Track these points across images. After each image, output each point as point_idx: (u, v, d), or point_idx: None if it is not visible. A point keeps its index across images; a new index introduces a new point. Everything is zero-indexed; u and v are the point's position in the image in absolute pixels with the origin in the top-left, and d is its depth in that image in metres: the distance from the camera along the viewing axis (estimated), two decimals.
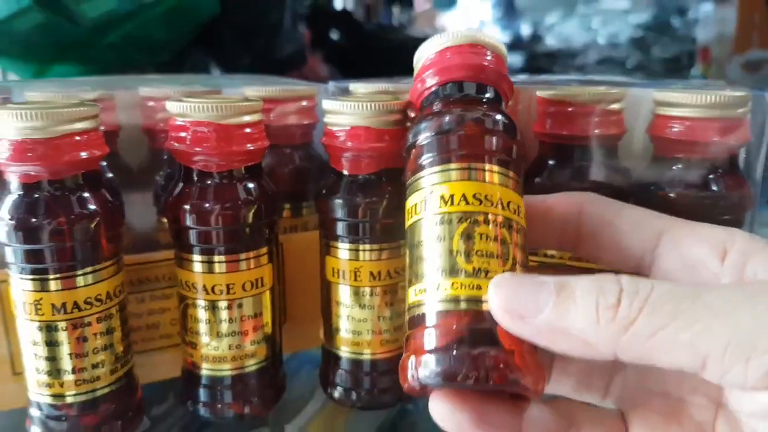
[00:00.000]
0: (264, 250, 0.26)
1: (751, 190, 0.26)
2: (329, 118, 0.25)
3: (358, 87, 0.31)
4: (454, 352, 0.17)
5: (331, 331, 0.28)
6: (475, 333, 0.17)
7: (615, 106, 0.27)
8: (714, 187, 0.26)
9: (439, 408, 0.18)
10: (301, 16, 0.84)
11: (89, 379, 0.24)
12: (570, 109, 0.26)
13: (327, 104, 0.25)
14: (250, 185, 0.25)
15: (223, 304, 0.25)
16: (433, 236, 0.18)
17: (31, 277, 0.23)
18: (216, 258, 0.25)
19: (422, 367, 0.17)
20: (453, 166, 0.19)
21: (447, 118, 0.19)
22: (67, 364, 0.23)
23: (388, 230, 0.26)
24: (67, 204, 0.22)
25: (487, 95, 0.21)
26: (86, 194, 0.23)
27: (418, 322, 0.18)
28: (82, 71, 0.68)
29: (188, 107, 0.23)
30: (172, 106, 0.24)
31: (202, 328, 0.26)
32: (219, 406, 0.26)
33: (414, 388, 0.18)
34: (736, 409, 0.17)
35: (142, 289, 0.28)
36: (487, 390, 0.17)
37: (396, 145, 0.25)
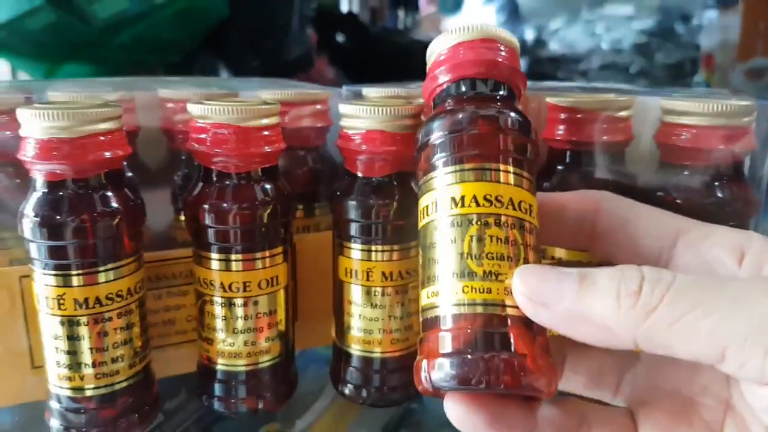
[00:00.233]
0: (279, 249, 0.27)
1: (755, 197, 0.27)
2: (345, 122, 0.26)
3: (370, 91, 0.31)
4: (467, 357, 0.17)
5: (342, 330, 0.28)
6: (487, 337, 0.17)
7: (623, 114, 0.27)
8: (719, 194, 0.26)
9: (454, 409, 0.18)
10: (308, 18, 0.85)
11: (108, 373, 0.25)
12: (579, 116, 0.27)
13: (343, 108, 0.26)
14: (267, 186, 0.26)
15: (239, 301, 0.26)
16: (445, 238, 0.18)
17: (54, 272, 0.23)
18: (233, 256, 0.25)
19: (436, 371, 0.17)
20: (465, 166, 0.19)
21: (459, 117, 0.19)
22: (87, 358, 0.24)
23: (400, 231, 0.26)
24: (91, 202, 0.23)
25: (501, 92, 0.20)
26: (109, 193, 0.23)
27: (431, 324, 0.18)
28: (93, 71, 0.69)
29: (209, 110, 0.24)
30: (193, 109, 0.24)
31: (219, 324, 0.26)
32: (233, 400, 0.27)
33: (428, 389, 0.18)
34: (749, 404, 0.17)
35: (159, 286, 0.29)
36: (501, 393, 0.18)
37: (409, 149, 0.26)
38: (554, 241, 0.22)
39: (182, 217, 0.30)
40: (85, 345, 0.24)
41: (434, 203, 0.19)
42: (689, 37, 1.40)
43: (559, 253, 0.28)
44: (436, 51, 0.21)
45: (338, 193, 0.27)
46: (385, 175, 0.26)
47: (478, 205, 0.18)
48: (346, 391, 0.29)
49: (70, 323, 0.24)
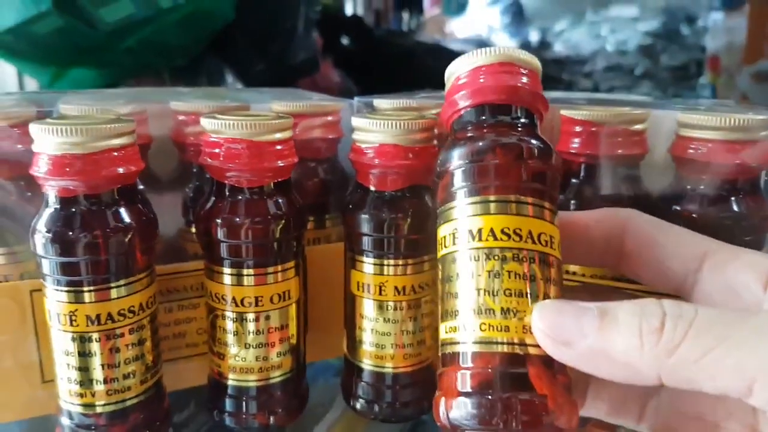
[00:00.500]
0: (291, 263, 0.26)
1: None
2: (358, 135, 0.26)
3: (382, 102, 0.31)
4: (487, 397, 0.17)
5: (354, 344, 0.28)
6: (506, 377, 0.17)
7: (638, 127, 0.27)
8: (735, 208, 0.26)
9: None
10: (313, 22, 0.85)
11: (120, 389, 0.24)
12: (594, 129, 0.27)
13: (356, 121, 0.26)
14: (280, 200, 0.25)
15: (251, 316, 0.26)
16: (462, 273, 0.18)
17: (66, 288, 0.23)
18: (245, 271, 0.25)
19: (454, 409, 0.17)
20: (483, 197, 0.18)
21: (479, 146, 0.19)
22: (98, 374, 0.24)
23: (413, 245, 0.26)
24: (103, 218, 0.23)
25: (521, 118, 0.20)
26: (122, 208, 0.23)
27: (450, 360, 0.18)
28: (99, 75, 0.69)
29: (222, 124, 0.24)
30: (206, 123, 0.24)
31: (230, 339, 0.26)
32: (244, 416, 0.27)
33: (446, 426, 0.18)
34: None
35: (170, 299, 0.28)
36: None
37: (422, 163, 0.26)
38: (582, 261, 0.22)
39: (193, 229, 0.29)
40: (96, 361, 0.24)
41: (452, 235, 0.19)
42: (694, 39, 1.40)
43: (574, 267, 0.28)
44: (455, 73, 0.20)
45: (351, 206, 0.27)
46: (398, 188, 0.26)
47: (495, 239, 0.18)
48: (358, 406, 0.29)
49: (81, 339, 0.24)
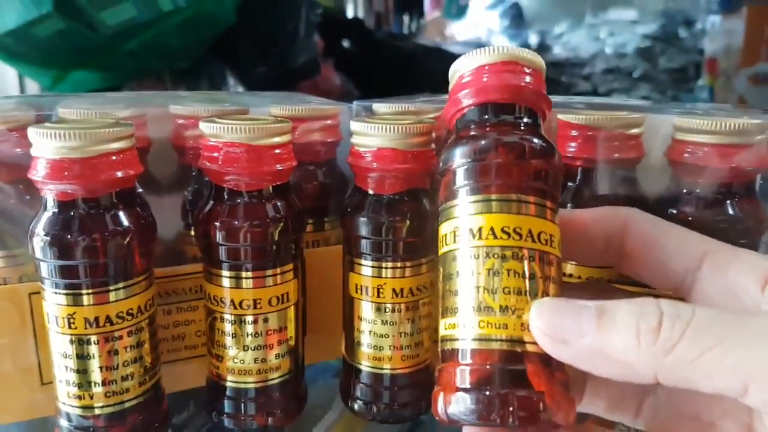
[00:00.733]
0: (290, 266, 0.26)
1: (766, 215, 0.27)
2: (356, 139, 0.26)
3: (380, 107, 0.31)
4: (484, 393, 0.17)
5: (352, 345, 0.28)
6: (504, 373, 0.17)
7: (634, 131, 0.27)
8: (730, 212, 0.26)
9: None
10: (314, 24, 0.85)
11: (118, 391, 0.25)
12: (590, 133, 0.27)
13: (354, 126, 0.26)
14: (278, 204, 0.26)
15: (249, 318, 0.26)
16: (462, 270, 0.18)
17: (64, 291, 0.23)
18: (244, 274, 0.25)
19: (452, 405, 0.17)
20: (483, 196, 0.18)
21: (481, 145, 0.19)
22: (97, 376, 0.24)
23: (411, 248, 0.26)
24: (102, 221, 0.23)
25: (525, 118, 0.20)
26: (120, 212, 0.23)
27: (449, 356, 0.18)
28: (101, 78, 0.69)
29: (221, 128, 0.24)
30: (205, 127, 0.24)
31: (229, 341, 0.26)
32: (243, 417, 0.27)
33: (444, 420, 0.18)
34: None
35: (169, 301, 0.29)
36: (518, 429, 0.18)
37: (420, 166, 0.26)
38: (582, 259, 0.22)
39: (192, 232, 0.30)
40: (95, 364, 0.24)
41: (453, 233, 0.19)
42: (692, 42, 1.40)
43: (570, 269, 0.28)
44: (459, 72, 0.20)
45: (349, 209, 0.27)
46: (396, 192, 0.26)
47: (495, 237, 0.18)
48: (356, 407, 0.29)
49: (80, 342, 0.24)
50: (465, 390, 0.17)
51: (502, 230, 0.18)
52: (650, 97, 1.31)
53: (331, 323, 0.30)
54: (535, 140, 0.19)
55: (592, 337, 0.16)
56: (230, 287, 0.26)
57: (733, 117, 0.26)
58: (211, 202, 0.25)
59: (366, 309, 0.27)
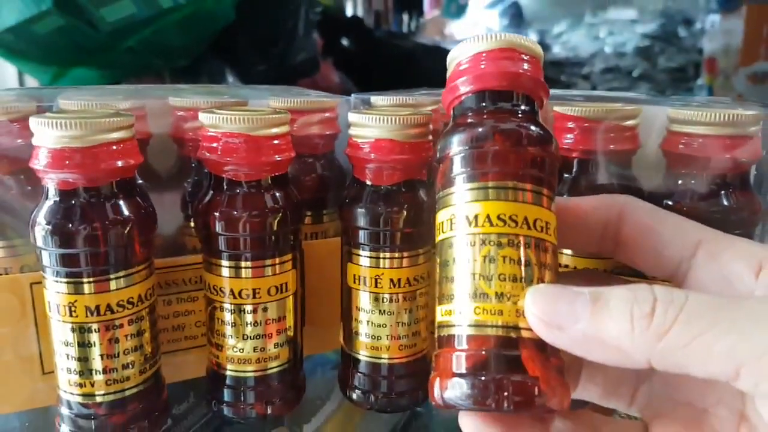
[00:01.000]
0: (288, 256, 0.27)
1: (761, 206, 0.27)
2: (354, 130, 0.26)
3: (378, 99, 0.32)
4: (480, 378, 0.17)
5: (350, 335, 0.28)
6: (500, 359, 0.17)
7: (630, 122, 0.28)
8: (725, 202, 0.26)
9: (469, 423, 0.18)
10: (313, 23, 0.85)
11: (119, 380, 0.25)
12: (586, 125, 0.27)
13: (352, 117, 0.26)
14: (277, 194, 0.26)
15: (248, 307, 0.26)
16: (458, 257, 0.18)
17: (65, 280, 0.23)
18: (243, 263, 0.26)
19: (449, 390, 0.18)
20: (480, 183, 0.18)
21: (478, 132, 0.19)
22: (98, 364, 0.24)
23: (409, 239, 0.27)
24: (102, 210, 0.23)
25: (522, 105, 0.19)
26: (120, 201, 0.24)
27: (445, 342, 0.19)
28: (100, 75, 0.70)
29: (220, 119, 0.24)
30: (204, 118, 0.25)
31: (228, 330, 0.26)
32: (242, 406, 0.27)
33: (440, 405, 0.18)
34: (764, 418, 0.17)
35: (169, 292, 0.29)
36: (513, 414, 0.18)
37: (418, 157, 0.26)
38: (579, 246, 0.22)
39: (192, 224, 0.30)
40: (96, 352, 0.24)
41: (449, 220, 0.19)
42: (692, 41, 1.41)
43: (567, 260, 0.28)
44: (457, 59, 0.20)
45: (347, 200, 0.27)
46: (394, 183, 0.26)
47: (491, 224, 0.18)
48: (354, 397, 0.29)
49: (81, 330, 0.24)
50: (461, 375, 0.18)
51: (498, 217, 0.18)
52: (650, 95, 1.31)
53: (330, 315, 0.31)
54: (533, 128, 0.19)
55: (586, 323, 0.16)
56: (229, 277, 0.26)
57: (727, 109, 0.26)
58: (211, 192, 0.26)
59: (364, 299, 0.27)
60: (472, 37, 0.20)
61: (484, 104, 0.20)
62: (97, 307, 0.24)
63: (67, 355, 0.24)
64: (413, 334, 0.28)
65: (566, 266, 0.28)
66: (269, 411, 0.27)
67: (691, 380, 0.18)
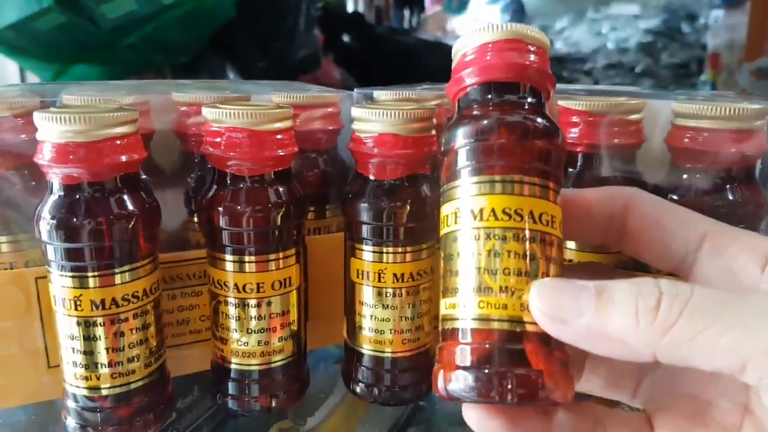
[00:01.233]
0: (292, 251, 0.27)
1: (766, 200, 0.27)
2: (357, 125, 0.26)
3: (381, 94, 0.32)
4: (483, 371, 0.17)
5: (354, 330, 0.29)
6: (503, 352, 0.17)
7: (634, 117, 0.28)
8: (730, 196, 0.26)
9: (472, 414, 0.18)
10: (314, 19, 0.85)
11: (124, 373, 0.25)
12: (591, 119, 0.27)
13: (355, 111, 0.26)
14: (280, 189, 0.26)
15: (252, 302, 0.26)
16: (463, 251, 0.18)
17: (71, 274, 0.24)
18: (247, 258, 0.26)
19: (452, 382, 0.18)
20: (485, 177, 0.18)
21: (483, 125, 0.18)
22: (103, 358, 0.24)
23: (412, 234, 0.27)
24: (107, 205, 0.23)
25: (528, 97, 0.19)
26: (125, 195, 0.24)
27: (449, 335, 0.19)
28: (102, 72, 0.70)
29: (223, 113, 0.24)
30: (208, 112, 0.25)
31: (233, 324, 0.26)
32: (247, 399, 0.27)
33: (444, 396, 0.18)
34: None
35: (174, 286, 0.29)
36: (516, 407, 0.18)
37: (421, 152, 0.26)
38: (584, 239, 0.22)
39: (196, 219, 0.30)
40: (101, 345, 0.24)
41: (454, 214, 0.19)
42: (695, 37, 1.40)
43: (570, 254, 0.28)
44: (462, 49, 0.20)
45: (350, 195, 0.27)
46: (397, 178, 0.26)
47: (496, 218, 0.18)
48: (358, 390, 0.29)
49: (86, 324, 0.24)
50: (465, 368, 0.18)
51: (504, 211, 0.18)
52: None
53: (333, 309, 0.31)
54: (539, 120, 0.19)
55: (591, 317, 0.16)
56: (233, 271, 0.26)
57: (733, 103, 0.26)
58: (214, 187, 0.26)
59: (367, 294, 0.27)
60: (478, 28, 0.19)
61: (489, 96, 0.19)
62: (102, 301, 0.24)
63: (73, 349, 0.24)
64: (416, 329, 0.28)
65: (569, 261, 0.28)
66: (273, 404, 0.28)
67: (694, 372, 0.18)
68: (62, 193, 0.23)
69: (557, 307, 0.17)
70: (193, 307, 0.29)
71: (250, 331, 0.26)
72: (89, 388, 0.25)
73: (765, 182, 0.27)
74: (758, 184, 0.27)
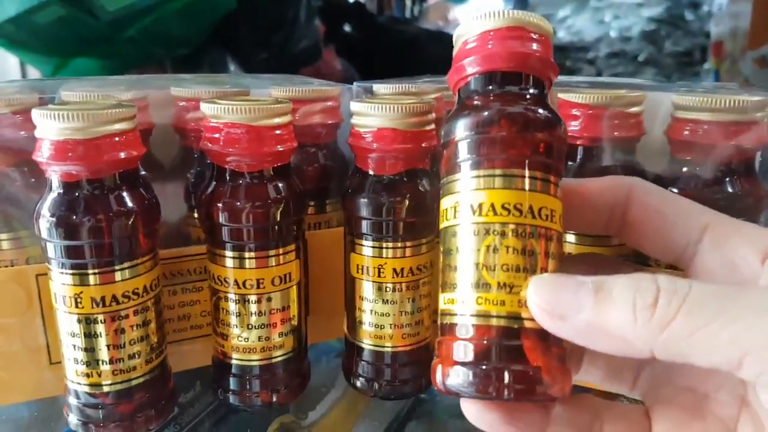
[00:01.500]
0: (292, 246, 0.27)
1: (766, 193, 0.27)
2: (356, 120, 0.26)
3: (381, 88, 0.32)
4: (481, 367, 0.17)
5: (354, 324, 0.29)
6: (501, 349, 0.17)
7: (635, 109, 0.27)
8: (729, 189, 0.26)
9: (471, 408, 0.18)
10: (315, 9, 0.84)
11: (125, 369, 0.25)
12: (591, 112, 0.27)
13: (354, 106, 0.26)
14: (280, 184, 0.26)
15: (253, 297, 0.26)
16: (462, 246, 0.18)
17: (71, 271, 0.24)
18: (247, 254, 0.26)
19: (450, 377, 0.18)
20: (485, 171, 0.18)
21: (484, 117, 0.18)
22: (104, 354, 0.25)
23: (411, 228, 0.27)
24: (106, 202, 0.23)
25: (530, 88, 0.19)
26: (124, 192, 0.24)
27: (448, 330, 0.19)
28: (102, 65, 0.69)
29: (222, 109, 0.24)
30: (206, 108, 0.25)
31: (233, 320, 0.27)
32: (248, 394, 0.28)
33: (442, 390, 0.18)
34: (765, 406, 0.17)
35: (174, 282, 0.29)
36: (514, 402, 0.18)
37: (420, 147, 0.26)
38: (586, 229, 0.22)
39: (196, 215, 0.30)
40: (102, 342, 0.24)
41: (453, 208, 0.19)
42: (699, 25, 1.39)
43: (571, 248, 0.28)
44: (463, 36, 0.19)
45: (350, 190, 0.27)
46: (397, 172, 0.26)
47: (495, 214, 0.18)
48: (358, 384, 0.29)
49: (87, 321, 0.24)
50: (463, 364, 0.18)
51: (503, 207, 0.18)
52: (655, 81, 1.30)
53: (334, 304, 0.31)
54: (540, 111, 0.18)
55: (589, 313, 0.16)
56: (234, 267, 0.26)
57: (733, 95, 0.26)
58: (214, 183, 0.26)
59: (367, 288, 0.28)
60: (479, 14, 0.19)
61: (491, 87, 0.19)
62: (103, 298, 0.24)
63: (74, 346, 0.25)
64: (416, 323, 0.28)
65: (569, 254, 0.28)
66: (274, 399, 0.28)
67: (692, 367, 0.18)
68: (61, 191, 0.23)
69: (555, 303, 0.17)
70: (194, 302, 0.30)
71: (250, 326, 0.27)
72: (90, 385, 0.25)
73: (765, 174, 0.27)
74: (758, 177, 0.27)
